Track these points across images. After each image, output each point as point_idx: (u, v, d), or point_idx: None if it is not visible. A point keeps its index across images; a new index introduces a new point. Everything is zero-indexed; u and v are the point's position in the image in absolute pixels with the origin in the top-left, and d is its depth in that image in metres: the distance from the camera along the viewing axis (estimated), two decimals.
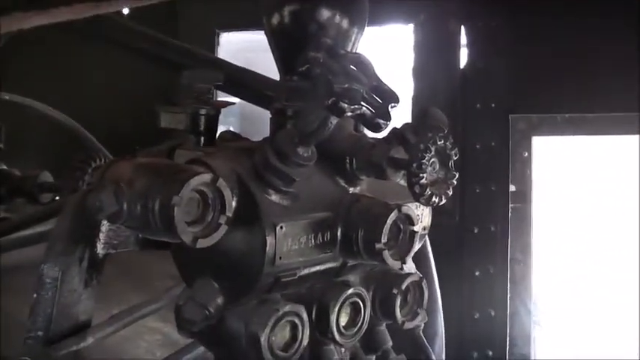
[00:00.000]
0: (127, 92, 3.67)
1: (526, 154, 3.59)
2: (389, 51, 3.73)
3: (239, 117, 3.99)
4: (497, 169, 3.59)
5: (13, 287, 2.23)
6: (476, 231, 3.65)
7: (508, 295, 3.68)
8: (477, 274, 3.66)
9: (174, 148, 1.62)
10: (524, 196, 3.62)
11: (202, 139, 1.61)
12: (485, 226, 3.64)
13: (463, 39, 3.63)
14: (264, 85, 2.32)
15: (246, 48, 3.82)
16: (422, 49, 3.63)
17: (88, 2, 1.85)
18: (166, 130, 1.71)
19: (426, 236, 2.05)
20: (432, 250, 2.44)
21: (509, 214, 3.62)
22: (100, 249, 1.52)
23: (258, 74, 2.40)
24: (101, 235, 1.52)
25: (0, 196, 2.62)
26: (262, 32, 1.72)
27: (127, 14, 3.31)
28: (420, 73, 3.61)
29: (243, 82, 2.29)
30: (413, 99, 3.59)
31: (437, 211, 1.83)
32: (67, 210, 1.52)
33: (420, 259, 2.21)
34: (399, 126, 1.60)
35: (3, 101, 2.85)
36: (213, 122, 1.61)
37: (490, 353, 3.68)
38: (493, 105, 3.57)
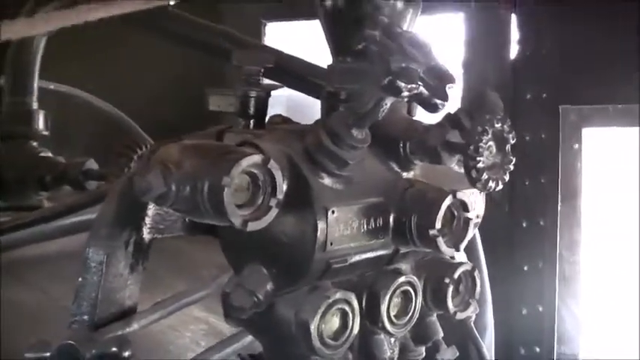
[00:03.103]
0: (172, 80, 3.65)
1: (576, 146, 3.53)
2: (439, 41, 3.67)
3: (285, 108, 3.96)
4: (546, 162, 3.53)
5: (59, 274, 2.23)
6: (525, 225, 3.59)
7: (557, 291, 3.62)
8: (525, 268, 3.61)
9: (223, 131, 1.58)
10: (574, 189, 3.56)
11: (252, 122, 1.57)
12: (534, 219, 3.58)
13: (514, 29, 3.58)
14: (313, 73, 2.28)
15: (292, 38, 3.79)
16: (472, 39, 3.58)
17: None
18: (213, 117, 1.68)
19: (476, 228, 2.00)
20: (481, 243, 2.40)
21: (559, 207, 3.55)
22: (145, 233, 1.50)
23: (307, 61, 2.37)
24: (147, 219, 1.49)
25: (45, 184, 2.62)
26: (308, 21, 1.68)
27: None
28: (471, 63, 3.56)
29: (291, 68, 2.25)
30: (463, 89, 3.54)
31: (486, 204, 1.79)
32: (113, 193, 1.50)
33: (469, 251, 2.16)
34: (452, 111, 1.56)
35: (47, 90, 2.85)
36: (263, 105, 1.57)
37: (538, 349, 3.62)
38: (544, 96, 3.52)
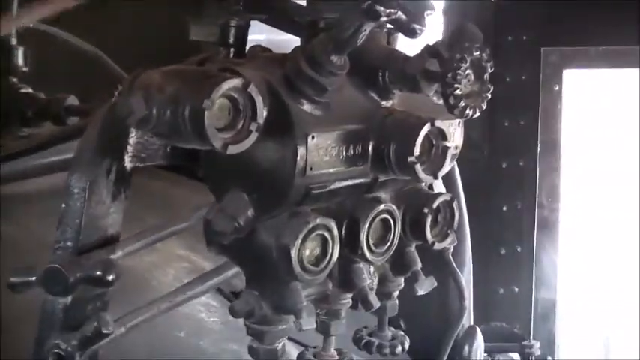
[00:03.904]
0: (148, 19, 3.62)
1: (557, 87, 3.54)
2: None
3: None
4: (527, 103, 3.54)
5: (41, 212, 2.24)
6: (504, 166, 3.62)
7: (535, 232, 3.65)
8: (504, 209, 3.64)
9: (204, 61, 1.59)
10: (554, 131, 3.58)
11: (232, 51, 1.58)
12: (513, 161, 3.61)
13: None
14: (293, 11, 2.27)
15: None
16: None
17: None
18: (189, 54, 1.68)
19: (455, 163, 2.02)
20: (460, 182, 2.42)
21: (539, 149, 3.58)
22: (127, 162, 1.51)
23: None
24: (129, 148, 1.50)
25: (26, 119, 2.62)
26: None
27: None
28: (451, 5, 3.55)
29: (272, 4, 2.24)
30: (443, 32, 3.53)
31: (465, 145, 1.80)
32: (95, 120, 1.51)
33: (448, 186, 2.18)
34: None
35: (27, 28, 2.83)
36: (243, 34, 1.58)
37: (516, 289, 3.67)
38: (524, 37, 3.52)
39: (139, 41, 3.52)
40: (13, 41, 2.71)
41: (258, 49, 1.63)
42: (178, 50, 1.70)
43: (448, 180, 2.25)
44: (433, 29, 1.60)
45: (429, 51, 1.54)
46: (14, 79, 2.70)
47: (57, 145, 2.13)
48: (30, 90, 2.68)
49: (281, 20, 2.18)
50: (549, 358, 3.63)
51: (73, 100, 2.60)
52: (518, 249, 3.66)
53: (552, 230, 3.68)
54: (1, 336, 1.82)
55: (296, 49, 1.45)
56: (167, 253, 2.46)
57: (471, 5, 3.59)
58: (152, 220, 2.28)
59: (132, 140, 1.50)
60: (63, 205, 1.48)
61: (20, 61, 2.71)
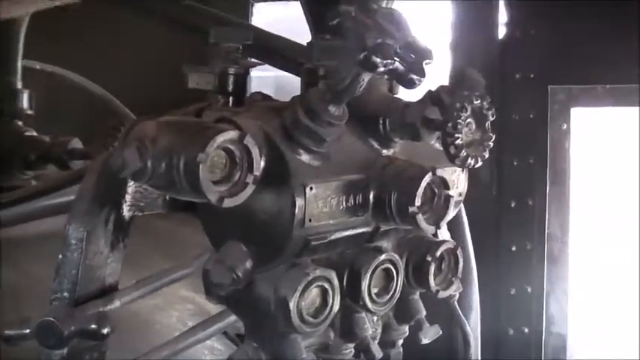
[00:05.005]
0: (155, 60, 3.64)
1: (565, 126, 3.53)
2: (426, 22, 3.65)
3: (274, 88, 3.95)
4: (535, 142, 3.53)
5: (43, 254, 2.23)
6: (513, 205, 3.59)
7: (545, 272, 3.62)
8: (513, 249, 3.61)
9: (202, 109, 1.58)
10: (562, 169, 3.56)
11: (231, 99, 1.57)
12: (522, 200, 3.58)
13: (502, 9, 3.56)
14: (294, 51, 2.27)
15: (279, 18, 3.76)
16: (460, 19, 3.57)
17: None
18: (195, 95, 1.67)
19: (462, 205, 1.99)
20: (469, 224, 2.39)
21: (548, 188, 3.55)
22: (126, 211, 1.50)
23: (289, 40, 2.36)
24: (127, 197, 1.49)
25: (30, 163, 2.62)
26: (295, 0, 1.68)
27: None
28: (458, 43, 3.55)
29: (273, 47, 2.24)
30: (451, 71, 3.53)
31: (474, 184, 1.79)
32: (93, 170, 1.50)
33: (454, 229, 2.16)
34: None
35: (33, 69, 2.84)
36: (242, 82, 1.57)
37: (526, 330, 3.63)
38: (532, 75, 3.51)
39: (144, 81, 3.53)
40: (19, 84, 2.71)
41: (258, 97, 1.62)
42: (182, 92, 1.69)
43: (455, 223, 2.22)
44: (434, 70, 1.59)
45: (430, 98, 1.52)
46: (19, 123, 2.71)
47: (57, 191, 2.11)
48: (34, 133, 2.68)
49: (281, 62, 2.19)
50: None
51: (76, 143, 2.60)
52: (529, 289, 3.62)
53: (562, 270, 3.65)
54: None
55: (294, 98, 1.44)
56: (171, 295, 2.43)
57: (477, 43, 3.58)
58: (157, 259, 2.26)
59: (130, 189, 1.49)
60: (60, 256, 1.46)
61: (25, 104, 2.71)
